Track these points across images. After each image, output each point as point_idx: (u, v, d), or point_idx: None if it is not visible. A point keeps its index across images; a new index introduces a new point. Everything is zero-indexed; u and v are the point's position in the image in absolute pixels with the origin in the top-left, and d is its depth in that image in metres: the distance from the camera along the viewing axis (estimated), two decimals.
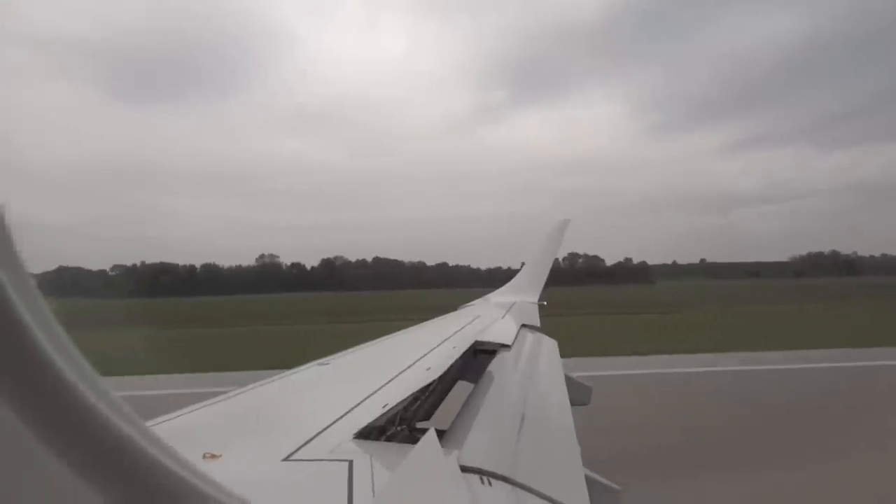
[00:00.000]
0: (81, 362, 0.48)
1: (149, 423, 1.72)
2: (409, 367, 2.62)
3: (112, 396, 0.48)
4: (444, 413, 1.93)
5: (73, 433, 0.44)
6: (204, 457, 1.37)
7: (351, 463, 1.33)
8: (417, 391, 2.01)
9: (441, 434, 1.68)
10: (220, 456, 1.37)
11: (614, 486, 2.21)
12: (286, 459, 1.38)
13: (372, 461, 1.36)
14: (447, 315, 6.08)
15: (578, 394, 3.68)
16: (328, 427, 1.66)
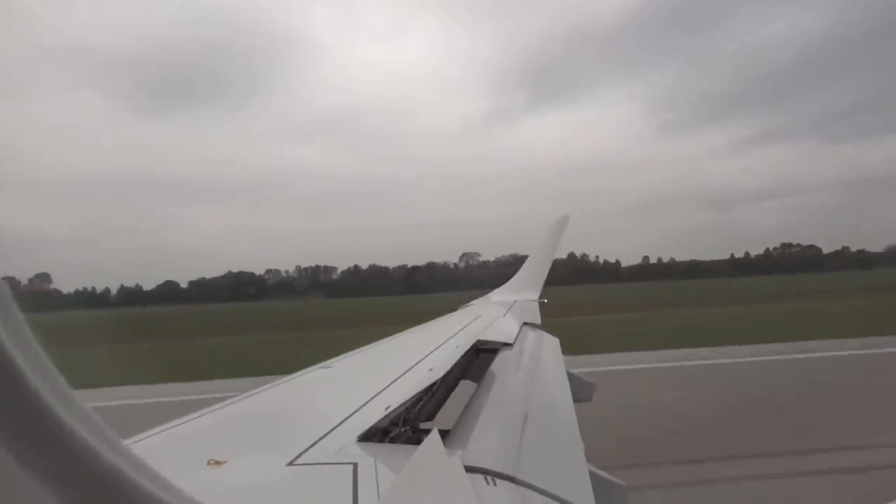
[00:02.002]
0: (55, 377, 0.47)
1: (153, 431, 1.73)
2: (411, 368, 2.63)
3: (86, 412, 0.48)
4: (448, 413, 1.92)
5: (41, 447, 0.44)
6: (208, 463, 1.37)
7: (356, 465, 1.34)
8: (420, 392, 2.01)
9: (445, 434, 1.69)
10: (225, 462, 1.38)
11: (619, 482, 2.21)
12: (290, 464, 1.38)
13: (376, 463, 1.37)
14: (448, 315, 6.09)
15: (581, 391, 3.68)
16: (332, 430, 1.66)
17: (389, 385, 2.26)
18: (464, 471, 1.27)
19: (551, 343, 4.31)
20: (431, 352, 3.08)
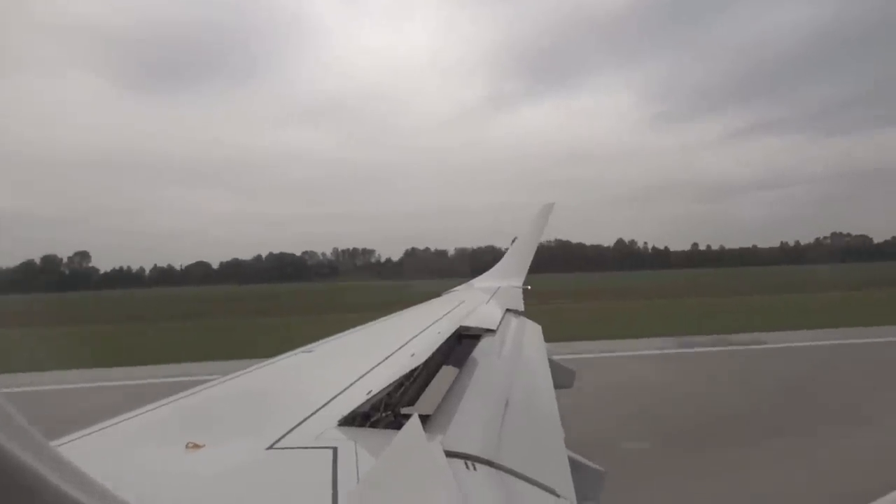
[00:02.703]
0: None
1: (130, 414, 1.71)
2: (393, 352, 2.63)
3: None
4: (429, 399, 1.93)
5: None
6: (187, 447, 1.36)
7: (335, 450, 1.33)
8: (402, 377, 2.01)
9: (425, 419, 1.69)
10: (204, 446, 1.36)
11: (598, 467, 2.25)
12: (270, 448, 1.37)
13: (356, 448, 1.37)
14: (432, 300, 6.09)
15: (562, 377, 3.73)
16: (313, 414, 1.65)
17: (371, 370, 2.26)
18: (444, 456, 1.27)
19: (534, 330, 4.34)
20: (414, 337, 3.09)
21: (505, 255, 9.18)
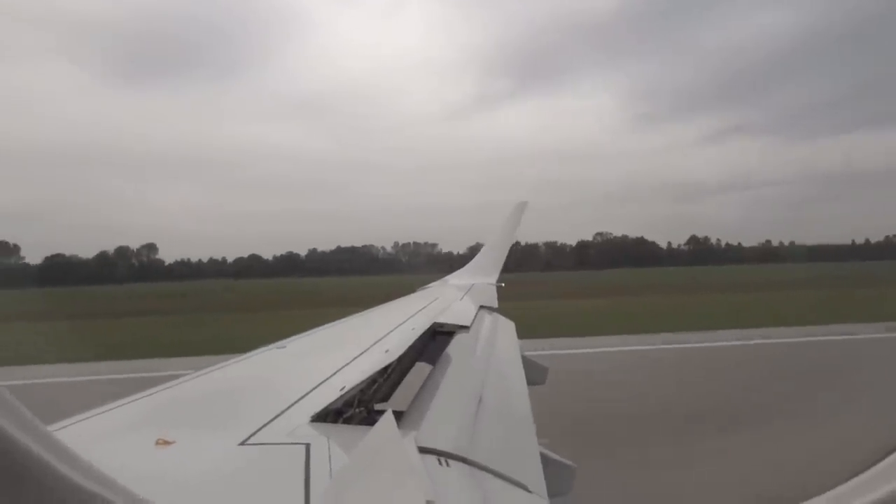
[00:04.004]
0: None
1: (97, 410, 1.67)
2: (367, 349, 2.62)
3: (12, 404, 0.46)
4: (403, 395, 1.94)
5: None
6: (157, 443, 1.34)
7: (308, 446, 1.33)
8: (375, 373, 2.02)
9: (399, 416, 1.70)
10: (174, 442, 1.35)
11: (569, 463, 2.29)
12: (242, 444, 1.36)
13: (329, 444, 1.37)
14: (406, 297, 6.09)
15: (535, 374, 3.77)
16: (285, 410, 1.64)
17: (345, 366, 2.25)
18: (417, 452, 1.28)
19: (507, 327, 4.38)
20: (388, 333, 3.08)
21: (479, 253, 9.22)
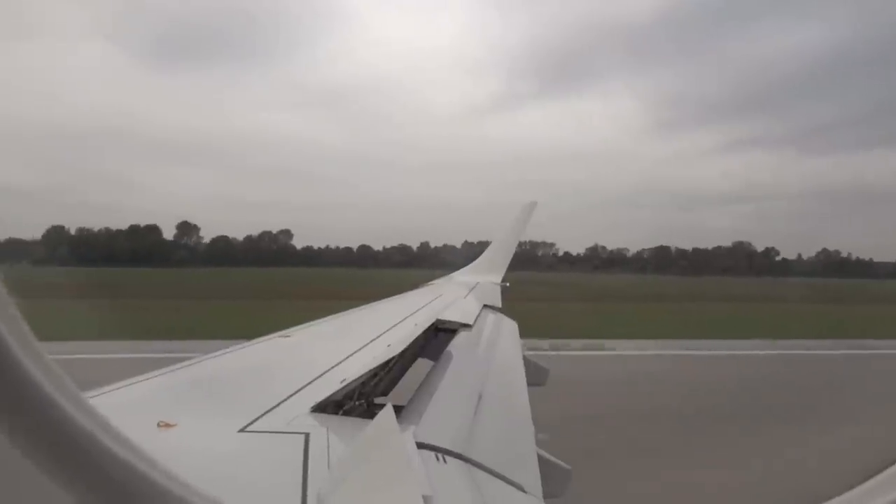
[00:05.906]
0: (46, 360, 0.47)
1: (103, 390, 1.70)
2: (370, 342, 2.64)
3: (79, 397, 0.48)
4: (403, 389, 1.95)
5: (39, 434, 0.44)
6: (158, 426, 1.36)
7: (307, 436, 1.35)
8: (377, 367, 2.03)
9: (399, 410, 1.71)
10: (175, 425, 1.36)
11: (565, 465, 2.29)
12: (242, 430, 1.38)
13: (328, 435, 1.38)
14: (410, 292, 6.10)
15: (535, 375, 3.78)
16: (286, 399, 1.66)
17: (347, 358, 2.27)
18: (415, 447, 1.29)
19: (509, 327, 4.38)
20: (391, 328, 3.10)
21: (486, 251, 9.21)
